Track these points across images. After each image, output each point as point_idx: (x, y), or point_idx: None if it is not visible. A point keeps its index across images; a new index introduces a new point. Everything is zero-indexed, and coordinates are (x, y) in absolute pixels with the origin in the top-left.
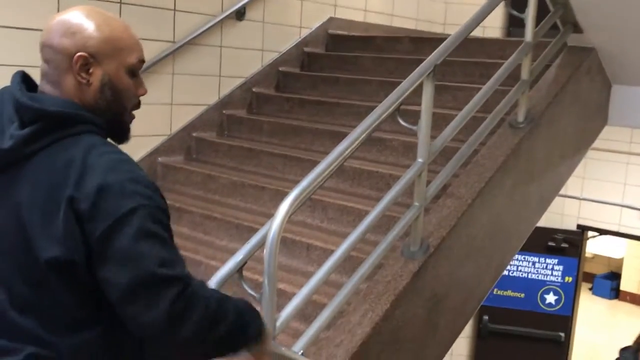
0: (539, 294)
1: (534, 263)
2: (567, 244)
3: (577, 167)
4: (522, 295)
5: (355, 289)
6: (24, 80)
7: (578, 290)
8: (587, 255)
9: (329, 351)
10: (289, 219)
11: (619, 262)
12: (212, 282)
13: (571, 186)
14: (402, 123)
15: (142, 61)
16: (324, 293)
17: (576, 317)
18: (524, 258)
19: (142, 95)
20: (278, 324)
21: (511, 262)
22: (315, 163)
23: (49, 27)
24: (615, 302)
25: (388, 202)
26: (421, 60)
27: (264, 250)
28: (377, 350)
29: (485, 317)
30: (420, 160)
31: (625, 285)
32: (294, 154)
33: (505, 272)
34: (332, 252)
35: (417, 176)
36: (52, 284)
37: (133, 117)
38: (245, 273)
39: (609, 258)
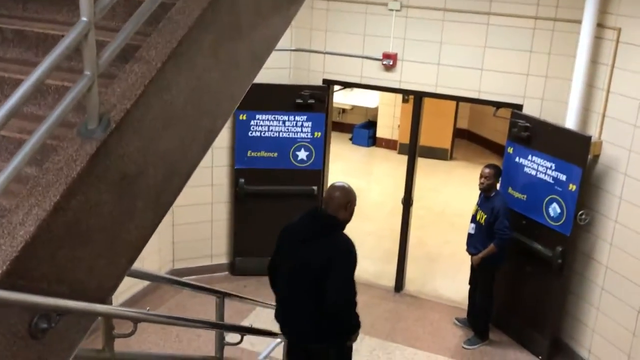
0: (290, 152)
1: (284, 122)
2: (314, 100)
3: (319, 20)
4: (275, 154)
5: (15, 180)
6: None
7: (327, 144)
8: (346, 107)
9: None
10: None
11: (375, 111)
12: None
13: (315, 40)
14: None
15: None
16: None
17: (327, 169)
18: (274, 117)
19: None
20: None
21: (262, 123)
22: None
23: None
24: (372, 148)
25: (42, 73)
26: None
27: None
28: (50, 249)
29: (242, 180)
30: (84, 19)
31: (380, 132)
32: None
33: (257, 134)
34: None
35: (82, 38)
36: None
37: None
38: None
39: (367, 108)
